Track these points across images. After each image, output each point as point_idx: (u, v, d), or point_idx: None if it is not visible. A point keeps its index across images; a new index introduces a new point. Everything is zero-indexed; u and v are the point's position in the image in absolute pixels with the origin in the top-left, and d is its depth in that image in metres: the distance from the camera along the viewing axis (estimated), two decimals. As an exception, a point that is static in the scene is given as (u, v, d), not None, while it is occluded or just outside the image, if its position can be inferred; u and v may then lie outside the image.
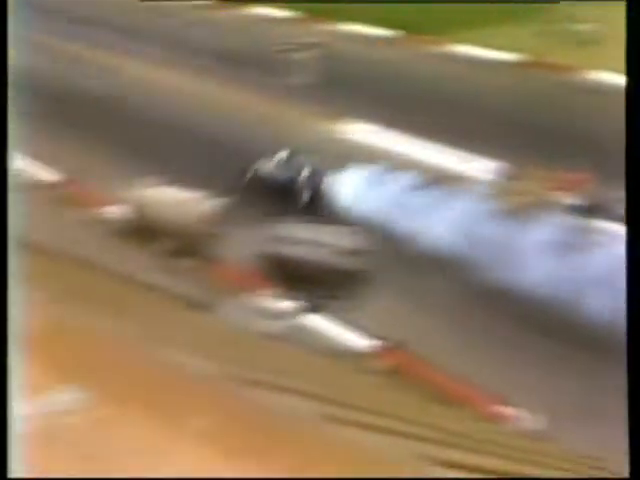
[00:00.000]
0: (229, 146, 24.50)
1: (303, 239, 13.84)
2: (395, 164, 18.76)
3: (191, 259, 14.64)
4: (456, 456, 3.11)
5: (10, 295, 2.53)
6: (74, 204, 28.22)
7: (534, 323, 12.99)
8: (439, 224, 15.27)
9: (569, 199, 15.03)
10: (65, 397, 2.21)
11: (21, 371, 2.25)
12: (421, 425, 3.60)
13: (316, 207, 21.01)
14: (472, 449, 3.66)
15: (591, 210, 14.52)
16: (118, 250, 16.95)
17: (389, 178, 17.31)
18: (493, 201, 15.25)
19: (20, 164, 31.28)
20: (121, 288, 5.39)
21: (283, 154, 23.04)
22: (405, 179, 17.67)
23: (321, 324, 13.40)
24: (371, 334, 13.34)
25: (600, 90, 21.68)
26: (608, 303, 11.85)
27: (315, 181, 22.04)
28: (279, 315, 12.86)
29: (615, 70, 20.09)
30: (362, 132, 23.56)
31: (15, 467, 2.05)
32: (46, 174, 30.10)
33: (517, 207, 15.07)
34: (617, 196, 12.65)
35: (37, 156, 30.96)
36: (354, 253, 13.92)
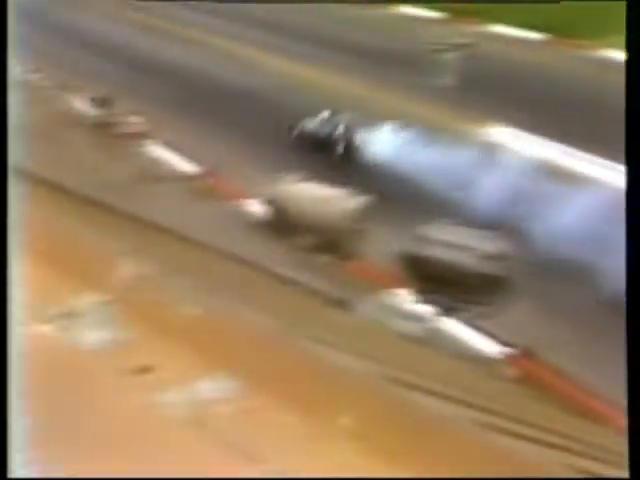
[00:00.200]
0: (363, 139, 24.56)
1: (446, 241, 13.66)
2: (529, 166, 18.43)
3: (331, 256, 14.66)
4: (601, 469, 3.03)
5: (160, 281, 2.58)
6: (214, 196, 28.72)
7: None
8: (567, 226, 14.93)
9: None
10: (214, 386, 2.23)
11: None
12: (562, 436, 3.52)
13: (349, 159, 25.03)
14: (615, 463, 3.56)
15: None
16: (258, 243, 17.15)
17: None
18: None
19: (161, 155, 32.09)
20: (261, 281, 5.43)
21: (325, 113, 27.55)
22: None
23: (456, 327, 13.27)
24: (502, 340, 13.13)
25: None
26: None
27: (348, 136, 26.16)
28: (416, 316, 12.76)
29: None
30: (502, 135, 23.24)
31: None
32: (187, 166, 30.74)
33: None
34: None
35: (178, 148, 31.67)
36: (497, 258, 13.66)
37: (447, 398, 3.12)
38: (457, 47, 29.13)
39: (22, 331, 2.49)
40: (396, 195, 19.58)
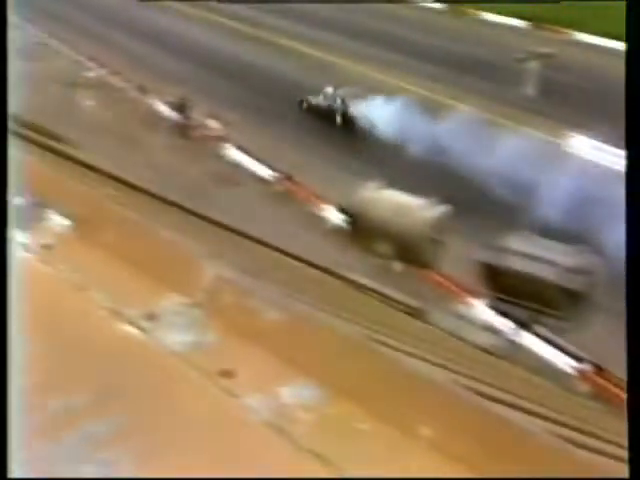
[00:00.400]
0: (449, 152, 24.50)
1: (527, 253, 13.49)
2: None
3: (408, 264, 14.66)
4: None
5: (242, 285, 2.58)
6: (291, 200, 28.87)
7: None
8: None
9: None
10: (295, 392, 2.22)
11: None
12: None
13: (347, 126, 31.65)
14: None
15: None
16: (334, 249, 17.18)
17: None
18: None
19: (238, 158, 32.33)
20: (339, 287, 5.42)
21: (328, 89, 33.73)
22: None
23: (532, 341, 13.14)
24: (577, 355, 13.01)
25: None
26: None
27: (344, 108, 32.73)
28: (492, 328, 12.68)
29: None
30: (580, 144, 23.03)
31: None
32: (263, 169, 30.98)
33: None
34: None
35: (255, 151, 31.94)
36: (578, 273, 13.47)
37: (523, 409, 3.09)
38: (539, 56, 28.96)
39: (103, 330, 2.51)
40: (473, 204, 19.54)
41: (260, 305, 2.47)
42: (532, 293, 13.01)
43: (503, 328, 13.07)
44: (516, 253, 13.56)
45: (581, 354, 13.16)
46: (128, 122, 37.36)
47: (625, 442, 2.89)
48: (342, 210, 19.40)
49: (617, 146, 20.89)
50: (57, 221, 3.07)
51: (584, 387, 12.27)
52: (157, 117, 38.89)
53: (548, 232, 15.62)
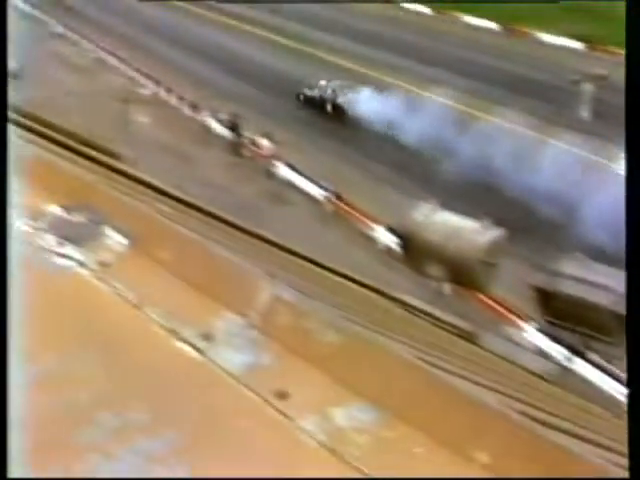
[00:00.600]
0: (500, 171, 24.39)
1: (580, 277, 13.33)
2: None
3: (460, 286, 14.58)
4: None
5: (300, 306, 2.58)
6: (343, 220, 28.92)
7: None
8: None
9: None
10: (350, 414, 2.22)
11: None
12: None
13: (337, 115, 36.40)
14: None
15: None
16: (387, 270, 17.13)
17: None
18: None
19: (290, 177, 32.41)
20: (391, 308, 5.40)
21: (322, 82, 38.83)
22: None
23: (584, 366, 12.97)
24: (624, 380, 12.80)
25: None
26: None
27: (334, 98, 37.64)
28: (545, 352, 12.56)
29: None
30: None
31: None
32: (315, 188, 31.06)
33: None
34: None
35: (306, 170, 32.04)
36: None
37: (575, 435, 3.06)
38: (594, 78, 28.77)
39: (159, 348, 2.52)
40: (524, 225, 19.39)
41: (315, 326, 2.47)
42: (584, 318, 12.85)
43: (554, 353, 12.93)
44: (569, 277, 13.42)
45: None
46: (181, 139, 37.66)
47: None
48: (393, 231, 19.38)
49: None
50: (114, 238, 3.10)
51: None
52: (210, 134, 39.16)
53: (601, 256, 15.44)
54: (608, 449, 3.20)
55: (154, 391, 2.31)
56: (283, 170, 33.62)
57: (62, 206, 3.29)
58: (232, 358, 2.41)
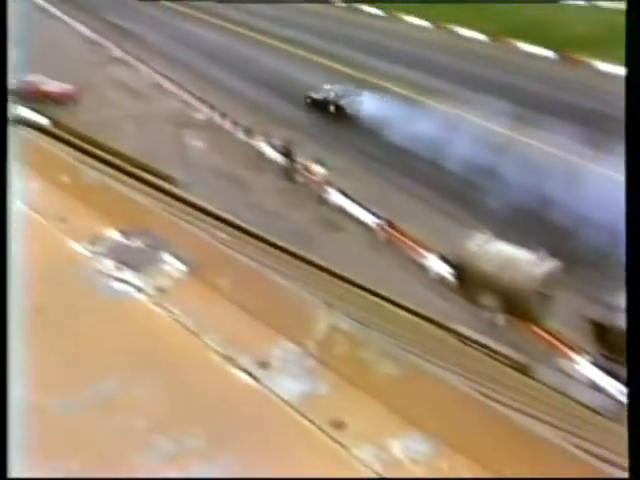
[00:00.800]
0: (555, 202, 24.22)
1: None
2: None
3: (514, 317, 14.46)
4: None
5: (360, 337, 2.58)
6: (394, 247, 28.90)
7: None
8: None
9: None
10: (405, 445, 2.21)
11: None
12: None
13: (340, 115, 41.24)
14: None
15: None
16: (440, 299, 17.05)
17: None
18: None
19: (342, 203, 32.44)
20: (445, 337, 5.38)
21: (327, 86, 44.50)
22: None
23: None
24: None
25: None
26: None
27: (337, 100, 43.18)
28: (599, 386, 12.39)
29: None
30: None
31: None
32: (366, 215, 31.09)
33: None
34: None
35: (359, 197, 32.07)
36: None
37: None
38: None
39: (215, 375, 2.53)
40: (580, 256, 19.22)
41: (372, 356, 2.47)
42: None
43: (609, 387, 12.76)
44: (622, 309, 13.26)
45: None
46: (235, 164, 37.94)
47: None
48: (447, 261, 19.28)
49: None
50: (171, 264, 3.12)
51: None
52: (263, 159, 39.45)
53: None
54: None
55: (210, 417, 2.32)
56: (335, 196, 33.69)
57: (120, 231, 3.33)
58: (288, 386, 2.41)
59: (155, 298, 2.90)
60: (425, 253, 25.82)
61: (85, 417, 2.30)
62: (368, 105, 41.24)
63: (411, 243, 27.46)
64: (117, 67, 54.00)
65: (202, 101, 47.23)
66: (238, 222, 4.95)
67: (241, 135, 42.59)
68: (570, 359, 14.02)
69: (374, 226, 30.57)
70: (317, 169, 35.82)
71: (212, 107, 46.40)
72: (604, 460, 2.72)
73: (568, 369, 13.21)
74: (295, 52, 54.40)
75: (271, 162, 39.06)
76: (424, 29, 60.68)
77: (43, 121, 6.36)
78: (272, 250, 4.50)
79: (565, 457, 2.28)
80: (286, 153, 38.31)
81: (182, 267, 3.07)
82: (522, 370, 5.95)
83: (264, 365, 2.50)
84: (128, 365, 2.54)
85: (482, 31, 55.69)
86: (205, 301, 2.86)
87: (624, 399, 12.66)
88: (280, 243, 4.87)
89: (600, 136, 29.16)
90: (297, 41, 55.81)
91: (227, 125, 44.26)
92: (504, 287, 14.56)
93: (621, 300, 13.42)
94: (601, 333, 13.30)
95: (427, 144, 32.92)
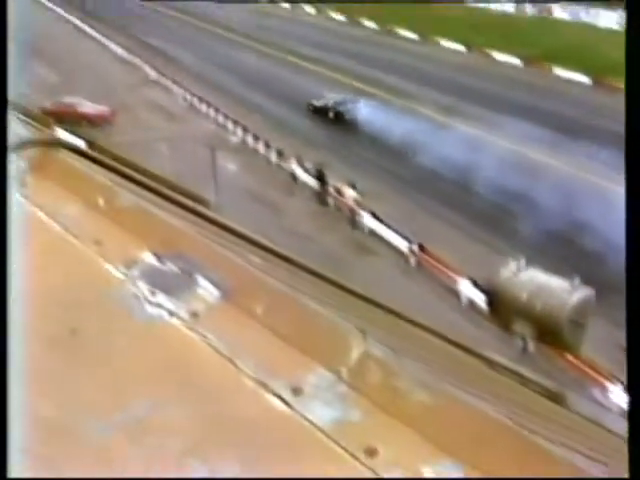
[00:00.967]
0: (587, 227, 24.05)
1: None
2: None
3: (548, 345, 14.36)
4: None
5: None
6: (426, 272, 28.76)
7: None
8: None
9: None
10: (438, 473, 2.21)
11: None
12: None
13: (339, 121, 45.36)
14: None
15: None
16: (470, 324, 16.96)
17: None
18: None
19: (374, 227, 32.43)
20: (478, 365, 5.34)
21: (329, 94, 48.10)
22: None
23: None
24: None
25: None
26: None
27: (335, 107, 47.27)
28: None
29: None
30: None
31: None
32: (400, 240, 31.01)
33: None
34: None
35: (391, 220, 32.04)
36: None
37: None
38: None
39: (248, 400, 2.54)
40: (611, 282, 19.07)
41: (405, 383, 2.46)
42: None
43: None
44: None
45: None
46: (267, 187, 38.02)
47: None
48: (479, 287, 19.20)
49: None
50: (205, 288, 3.13)
51: None
52: (296, 182, 39.50)
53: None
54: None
55: (242, 442, 2.33)
56: (367, 219, 33.66)
57: (155, 254, 3.34)
58: (321, 412, 2.41)
59: (188, 322, 2.91)
60: (457, 278, 25.73)
61: (117, 440, 2.31)
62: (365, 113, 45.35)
63: (443, 268, 27.38)
64: (152, 89, 54.50)
65: (235, 123, 47.47)
66: (271, 246, 4.95)
67: (274, 158, 42.76)
68: (603, 387, 13.90)
69: (405, 250, 30.51)
70: (349, 192, 35.81)
71: (245, 129, 46.63)
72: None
73: (601, 398, 13.10)
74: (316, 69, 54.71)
75: (303, 185, 39.14)
76: (458, 53, 60.93)
77: (79, 143, 6.42)
78: (305, 274, 4.50)
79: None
80: (319, 176, 38.35)
81: (215, 291, 3.08)
82: (555, 398, 5.88)
83: (297, 391, 2.50)
84: (161, 389, 2.55)
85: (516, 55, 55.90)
86: (239, 326, 2.86)
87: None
88: (314, 268, 4.87)
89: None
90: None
91: (260, 148, 44.46)
92: (537, 314, 14.47)
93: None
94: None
95: (458, 167, 32.89)
